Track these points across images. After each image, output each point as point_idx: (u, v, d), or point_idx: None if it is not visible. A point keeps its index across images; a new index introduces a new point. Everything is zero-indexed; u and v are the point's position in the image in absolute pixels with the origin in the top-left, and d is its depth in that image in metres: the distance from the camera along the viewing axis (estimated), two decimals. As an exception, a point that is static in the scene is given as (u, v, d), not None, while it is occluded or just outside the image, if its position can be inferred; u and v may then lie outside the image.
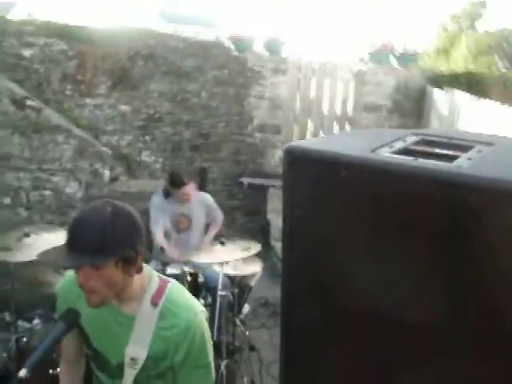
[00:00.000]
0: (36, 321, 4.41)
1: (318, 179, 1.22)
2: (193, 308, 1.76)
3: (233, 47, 6.04)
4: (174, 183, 4.23)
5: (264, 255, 5.42)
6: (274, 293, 5.06)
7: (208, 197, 4.61)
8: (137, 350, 1.71)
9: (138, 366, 1.71)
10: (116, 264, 1.57)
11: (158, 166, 5.99)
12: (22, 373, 1.42)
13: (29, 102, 4.71)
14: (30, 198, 4.78)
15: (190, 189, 4.26)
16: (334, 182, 1.19)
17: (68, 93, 5.90)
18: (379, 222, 1.16)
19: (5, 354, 4.12)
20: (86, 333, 1.80)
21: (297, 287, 1.32)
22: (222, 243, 3.76)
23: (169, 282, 1.79)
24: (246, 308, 4.90)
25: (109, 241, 1.54)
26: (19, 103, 4.68)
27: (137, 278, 1.69)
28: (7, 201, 4.80)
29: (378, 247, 1.17)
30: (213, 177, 5.77)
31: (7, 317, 4.29)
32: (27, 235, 3.67)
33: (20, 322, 4.27)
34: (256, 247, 3.81)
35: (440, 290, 1.11)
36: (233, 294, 4.12)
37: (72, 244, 1.55)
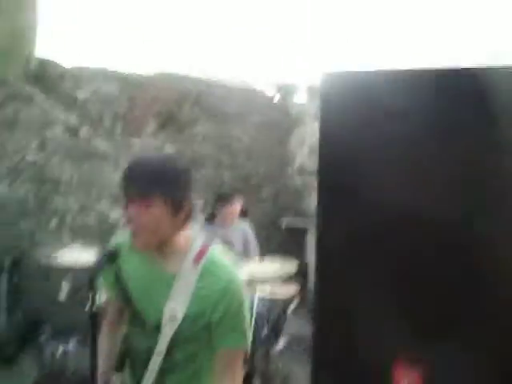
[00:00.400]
0: (71, 344, 4.47)
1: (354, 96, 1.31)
2: (233, 271, 1.78)
3: (276, 94, 6.27)
4: (222, 199, 4.26)
5: (301, 295, 5.40)
6: (309, 331, 4.96)
7: (248, 227, 4.63)
8: (175, 308, 1.73)
9: (176, 325, 1.73)
10: (165, 202, 1.64)
11: (199, 210, 6.10)
12: (62, 294, 1.48)
13: (81, 131, 4.95)
14: (76, 221, 4.95)
15: (238, 207, 4.28)
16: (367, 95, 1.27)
17: (118, 132, 6.20)
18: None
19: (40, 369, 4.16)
20: (128, 290, 1.84)
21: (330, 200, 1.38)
22: (260, 259, 3.78)
23: (212, 245, 1.83)
24: (281, 342, 4.83)
25: (160, 177, 1.63)
26: (72, 131, 4.93)
27: (182, 234, 1.75)
28: (54, 224, 4.97)
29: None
30: (252, 219, 5.83)
31: (43, 339, 4.37)
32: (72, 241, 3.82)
33: (56, 344, 4.32)
34: (293, 265, 3.80)
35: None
36: (268, 320, 4.10)
37: (126, 181, 1.65)
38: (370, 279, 1.29)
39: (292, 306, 4.46)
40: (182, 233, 1.75)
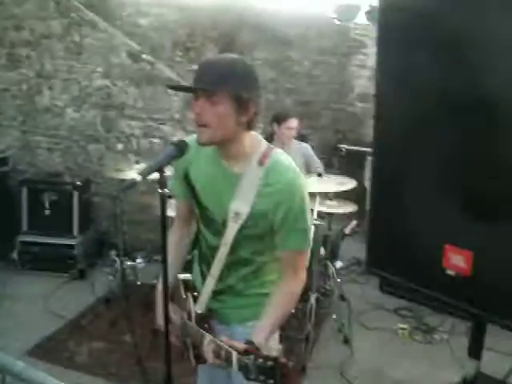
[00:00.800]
0: (139, 260, 4.76)
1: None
2: (296, 171, 1.82)
3: (337, 16, 6.11)
4: (279, 117, 4.29)
5: (359, 219, 5.45)
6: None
7: (308, 147, 4.63)
8: (241, 205, 1.80)
9: (241, 221, 1.80)
10: (230, 100, 1.68)
11: (258, 131, 6.15)
12: (138, 178, 1.58)
13: (143, 56, 5.05)
14: (140, 145, 5.14)
15: (295, 123, 4.30)
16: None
17: (178, 59, 6.30)
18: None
19: (112, 280, 4.45)
20: (196, 189, 1.94)
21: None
22: (320, 175, 3.84)
23: (275, 148, 1.87)
24: (339, 263, 4.95)
25: (226, 75, 1.67)
26: (135, 57, 5.03)
27: (247, 137, 1.79)
28: (120, 147, 5.19)
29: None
30: (312, 144, 5.86)
31: (114, 255, 4.66)
32: (137, 163, 3.99)
33: (124, 259, 4.59)
34: (351, 183, 3.85)
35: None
36: (326, 236, 4.20)
37: (195, 79, 1.71)
38: (423, 166, 1.33)
39: (350, 226, 4.53)
40: (247, 135, 1.80)
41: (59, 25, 5.13)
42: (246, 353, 1.56)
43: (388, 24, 1.45)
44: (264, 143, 1.86)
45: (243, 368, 1.53)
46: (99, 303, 4.45)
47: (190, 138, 1.90)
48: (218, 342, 1.70)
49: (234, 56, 1.78)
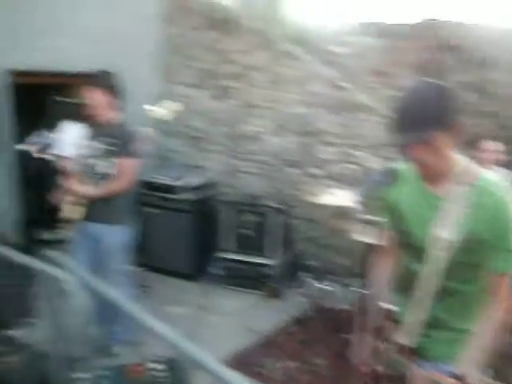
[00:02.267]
0: (331, 284, 4.85)
1: None
2: (504, 189, 1.75)
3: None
4: (474, 141, 4.10)
5: None
6: None
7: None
8: (446, 230, 1.75)
9: (447, 247, 1.75)
10: (443, 135, 1.67)
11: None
12: (349, 204, 1.65)
13: (340, 84, 5.18)
14: (336, 170, 5.25)
15: (492, 146, 4.06)
16: None
17: (374, 85, 6.31)
18: None
19: (304, 301, 4.59)
20: (399, 214, 1.94)
21: None
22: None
23: (480, 167, 1.82)
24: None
25: (433, 115, 1.66)
26: (332, 84, 5.18)
27: (450, 157, 1.76)
28: (316, 172, 5.35)
29: None
30: (513, 170, 5.46)
31: (307, 277, 4.80)
32: (333, 188, 4.10)
33: (315, 282, 4.72)
34: None
35: None
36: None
37: (400, 124, 1.71)
38: None
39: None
40: (450, 155, 1.77)
41: (263, 57, 5.49)
42: None
43: None
44: (466, 162, 1.81)
45: None
46: (292, 323, 4.60)
47: (397, 164, 1.92)
48: (429, 374, 1.67)
49: (426, 85, 1.72)
